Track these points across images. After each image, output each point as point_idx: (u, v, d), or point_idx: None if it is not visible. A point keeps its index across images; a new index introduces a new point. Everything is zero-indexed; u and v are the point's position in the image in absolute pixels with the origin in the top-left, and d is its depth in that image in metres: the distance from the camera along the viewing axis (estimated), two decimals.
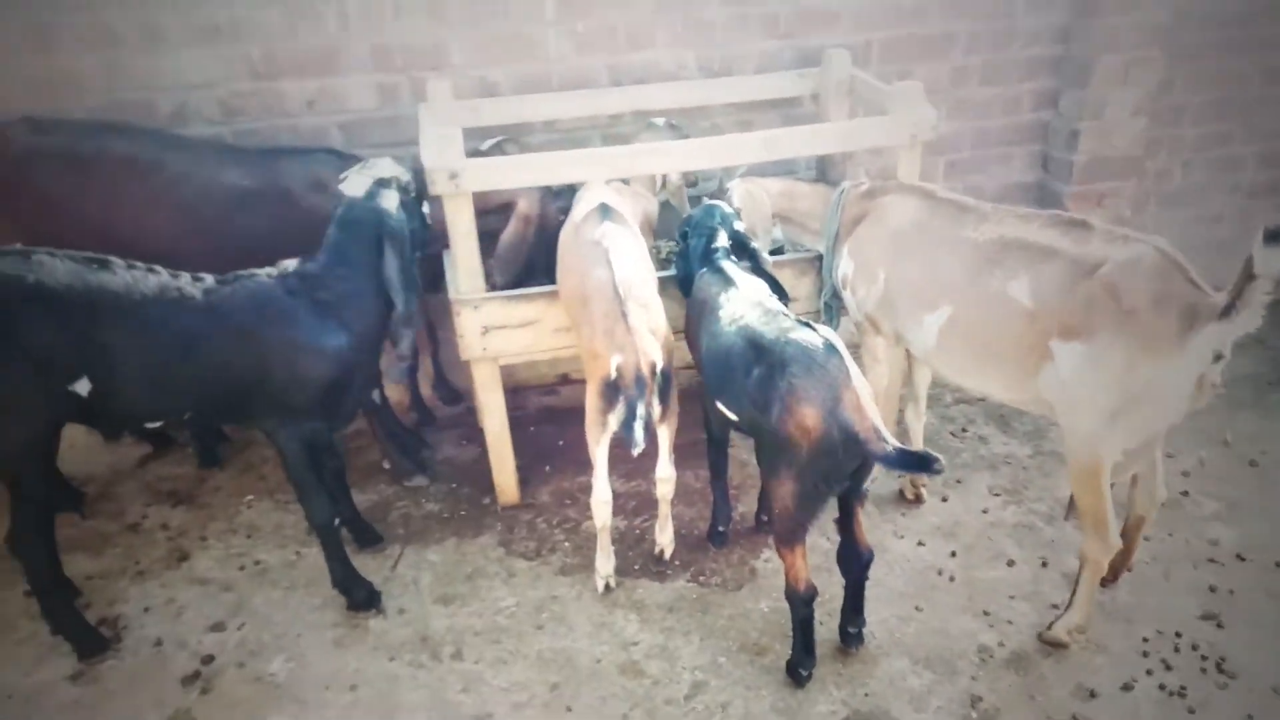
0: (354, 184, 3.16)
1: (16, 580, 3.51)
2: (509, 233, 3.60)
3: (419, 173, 3.25)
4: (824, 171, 4.26)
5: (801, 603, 2.87)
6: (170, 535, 3.79)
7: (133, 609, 3.41)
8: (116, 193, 3.41)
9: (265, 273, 3.07)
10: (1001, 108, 4.58)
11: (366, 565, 3.55)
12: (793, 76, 4.14)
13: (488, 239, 3.57)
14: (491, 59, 3.99)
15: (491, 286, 3.58)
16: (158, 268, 2.97)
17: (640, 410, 2.90)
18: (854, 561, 2.95)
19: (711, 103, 4.16)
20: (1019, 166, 4.76)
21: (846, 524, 2.91)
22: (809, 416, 2.59)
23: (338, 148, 3.84)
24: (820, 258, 3.65)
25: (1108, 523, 2.86)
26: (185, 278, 2.98)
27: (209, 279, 3.02)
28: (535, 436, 4.32)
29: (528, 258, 3.75)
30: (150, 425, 3.07)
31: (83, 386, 2.85)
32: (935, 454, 2.48)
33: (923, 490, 3.80)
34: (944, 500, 3.84)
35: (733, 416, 2.99)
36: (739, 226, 3.33)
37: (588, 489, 3.91)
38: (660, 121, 3.94)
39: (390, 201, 3.14)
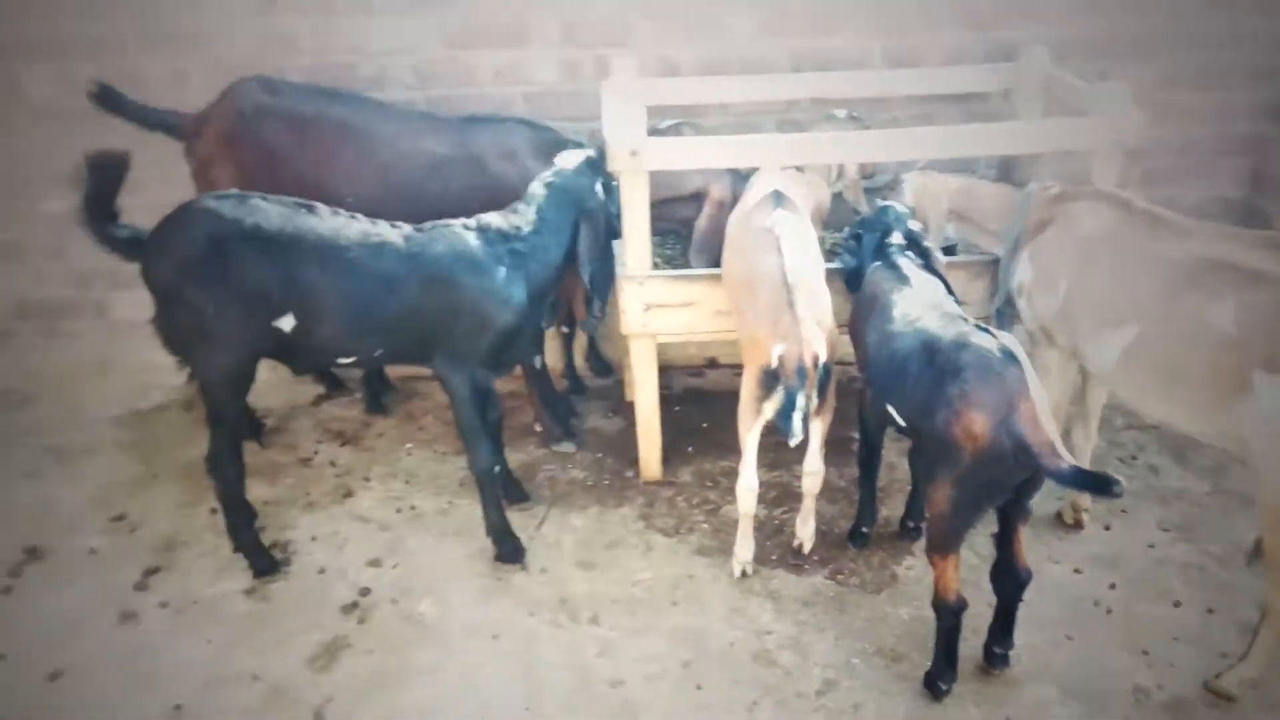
0: (568, 158, 3.30)
1: (203, 499, 3.85)
2: (704, 218, 3.65)
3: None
4: (1006, 172, 4.08)
5: (949, 613, 2.79)
6: (338, 472, 4.04)
7: (301, 536, 3.66)
8: (329, 154, 3.65)
9: (461, 223, 3.25)
10: (1213, 115, 4.25)
11: (513, 521, 3.68)
12: (984, 71, 3.97)
13: (679, 226, 3.68)
14: (676, 38, 4.03)
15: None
16: (358, 215, 3.18)
17: (800, 401, 2.87)
18: (1010, 580, 2.84)
19: (893, 94, 4.05)
20: (1224, 181, 4.41)
21: (1006, 540, 2.81)
22: (977, 423, 2.51)
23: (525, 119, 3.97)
24: (996, 262, 3.50)
25: None
26: (383, 224, 3.19)
27: (406, 227, 3.22)
28: (680, 416, 4.35)
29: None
30: (343, 362, 3.30)
31: (287, 323, 3.07)
32: (1115, 476, 2.35)
33: (1084, 516, 3.60)
34: (1107, 529, 3.63)
35: (896, 416, 2.92)
36: (913, 226, 3.24)
37: (729, 473, 3.96)
38: (841, 113, 3.87)
39: (597, 182, 3.28)
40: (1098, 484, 2.37)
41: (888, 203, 3.35)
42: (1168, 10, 4.07)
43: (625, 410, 4.39)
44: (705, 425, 4.30)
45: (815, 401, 3.01)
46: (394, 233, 3.17)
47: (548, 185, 3.33)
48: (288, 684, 3.02)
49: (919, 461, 3.37)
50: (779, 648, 3.13)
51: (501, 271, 3.18)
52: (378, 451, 4.18)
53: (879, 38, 4.07)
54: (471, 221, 3.26)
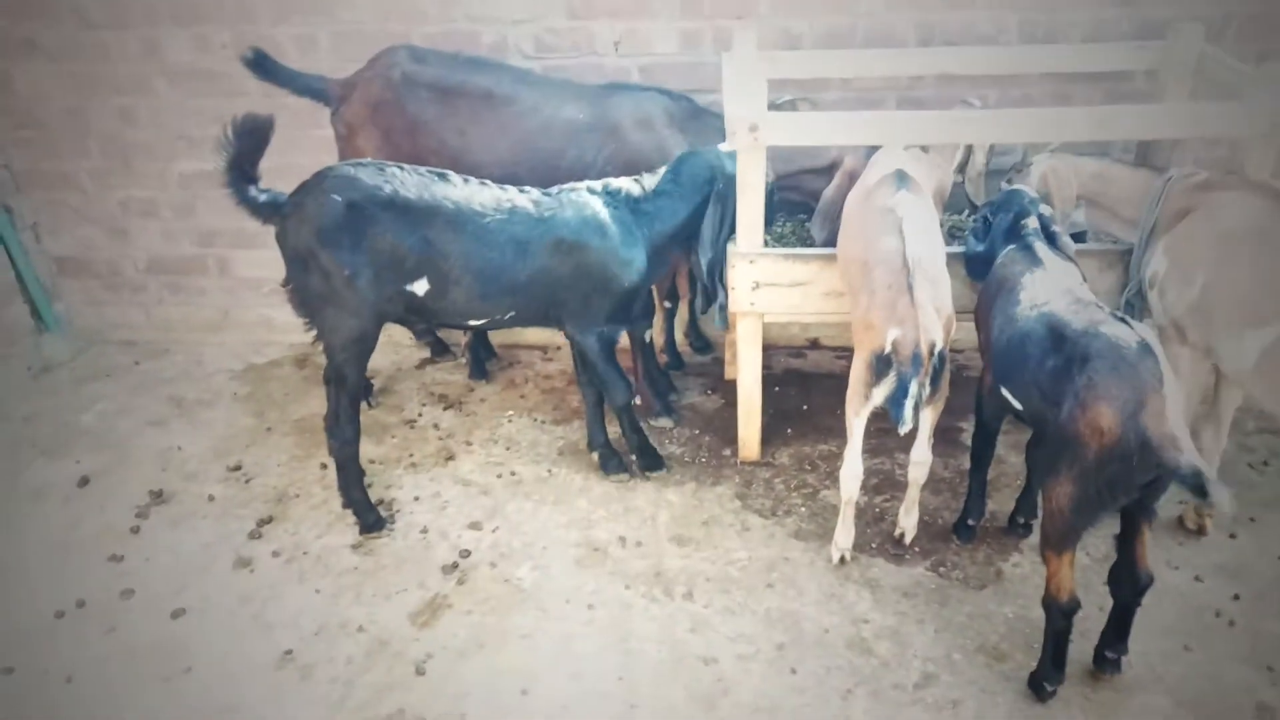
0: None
1: (313, 454, 3.99)
2: (832, 188, 3.58)
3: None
4: (1144, 156, 3.85)
5: (1060, 614, 2.69)
6: (441, 435, 4.13)
7: (405, 496, 3.76)
8: (472, 121, 3.73)
9: (587, 186, 3.39)
10: None
11: (610, 490, 3.73)
12: (1129, 48, 3.73)
13: (810, 199, 3.67)
14: (798, 9, 3.92)
15: (810, 242, 3.66)
16: (488, 181, 3.28)
17: (913, 389, 2.79)
18: (1130, 583, 2.72)
19: (1027, 71, 3.86)
20: None
21: (1128, 542, 2.68)
22: (1104, 416, 2.39)
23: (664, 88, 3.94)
24: (1129, 252, 3.32)
25: None
26: (512, 190, 3.30)
27: (534, 191, 3.34)
28: (779, 397, 4.30)
29: None
30: (473, 324, 3.45)
31: (420, 286, 3.22)
32: (1227, 491, 2.24)
33: (1208, 522, 3.42)
34: (1232, 537, 3.44)
35: (1017, 405, 2.82)
36: (1045, 211, 3.09)
37: (828, 457, 3.90)
38: (977, 102, 3.73)
39: (733, 165, 3.32)
40: (1207, 491, 2.25)
41: (1017, 186, 3.20)
42: None
43: (724, 388, 4.36)
44: (805, 407, 4.24)
45: (928, 390, 2.92)
46: (523, 198, 3.28)
47: (679, 159, 3.46)
48: (391, 637, 3.12)
49: (1038, 454, 3.26)
50: (876, 637, 3.07)
51: (623, 234, 3.32)
52: (480, 417, 4.25)
53: (1016, 11, 3.87)
54: (597, 185, 3.39)
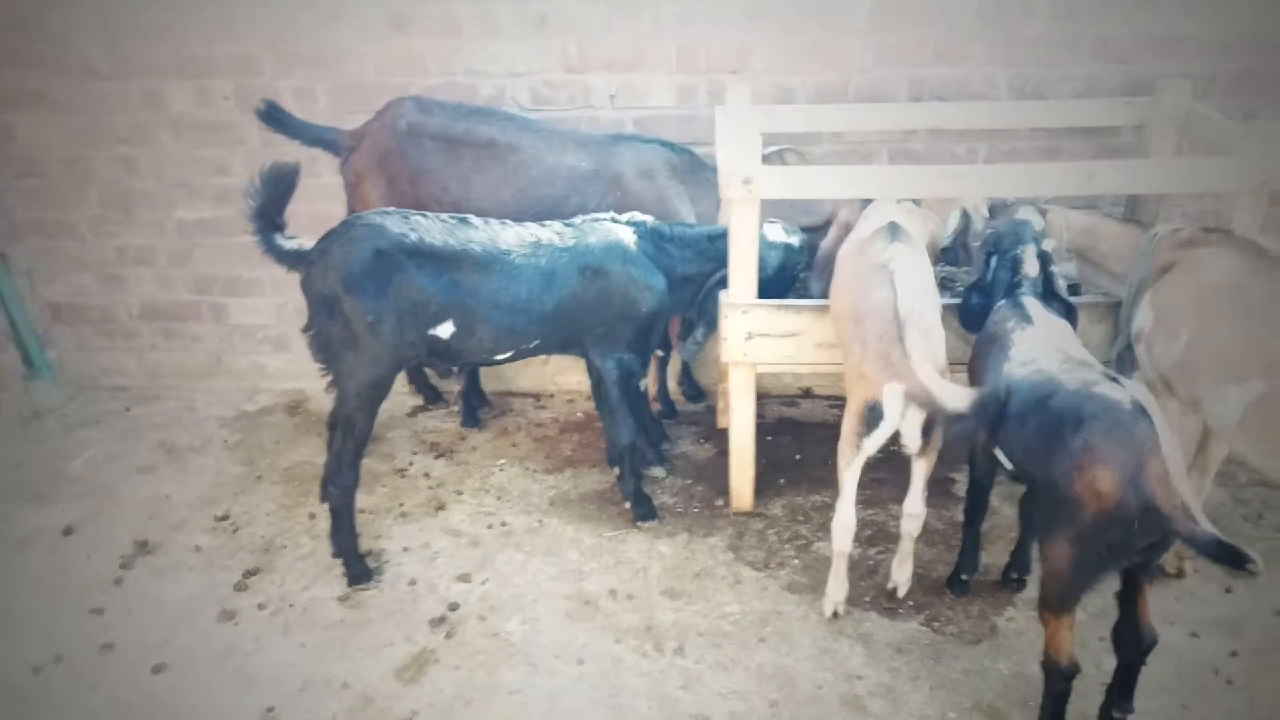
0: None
1: (301, 503, 3.96)
2: (828, 240, 3.63)
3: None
4: (1133, 211, 3.89)
5: (1060, 676, 2.64)
6: (431, 485, 4.10)
7: (394, 546, 3.72)
8: (475, 170, 3.80)
9: (611, 216, 3.50)
10: None
11: (601, 542, 3.69)
12: (1117, 104, 3.78)
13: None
14: (792, 66, 3.98)
15: (809, 292, 3.71)
16: (507, 220, 3.38)
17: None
18: (1133, 642, 2.68)
19: (1018, 126, 3.91)
20: None
21: (1129, 600, 2.65)
22: (1103, 480, 2.37)
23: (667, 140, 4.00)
24: (1118, 305, 3.33)
25: None
26: (532, 225, 3.39)
27: (555, 223, 3.44)
28: (771, 446, 4.27)
29: None
30: (499, 358, 3.50)
31: (445, 330, 3.28)
32: (1253, 554, 2.19)
33: (1187, 565, 3.38)
34: (1228, 591, 3.39)
35: (1007, 464, 2.79)
36: (1047, 246, 3.11)
37: (821, 507, 3.86)
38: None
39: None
40: (1235, 557, 2.21)
41: (1024, 217, 3.21)
42: None
43: (717, 437, 4.34)
44: (798, 457, 4.22)
45: (920, 442, 2.91)
46: (545, 231, 3.39)
47: (715, 230, 3.64)
48: (376, 693, 3.06)
49: (1031, 512, 3.24)
50: (870, 694, 3.02)
51: (645, 260, 3.46)
52: (471, 465, 4.22)
53: (1006, 67, 3.94)
54: (623, 216, 3.53)
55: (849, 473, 3.04)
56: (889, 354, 2.84)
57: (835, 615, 3.29)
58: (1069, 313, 3.09)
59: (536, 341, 3.47)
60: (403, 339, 3.24)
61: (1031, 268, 3.09)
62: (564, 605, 3.40)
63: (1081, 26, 3.86)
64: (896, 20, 3.91)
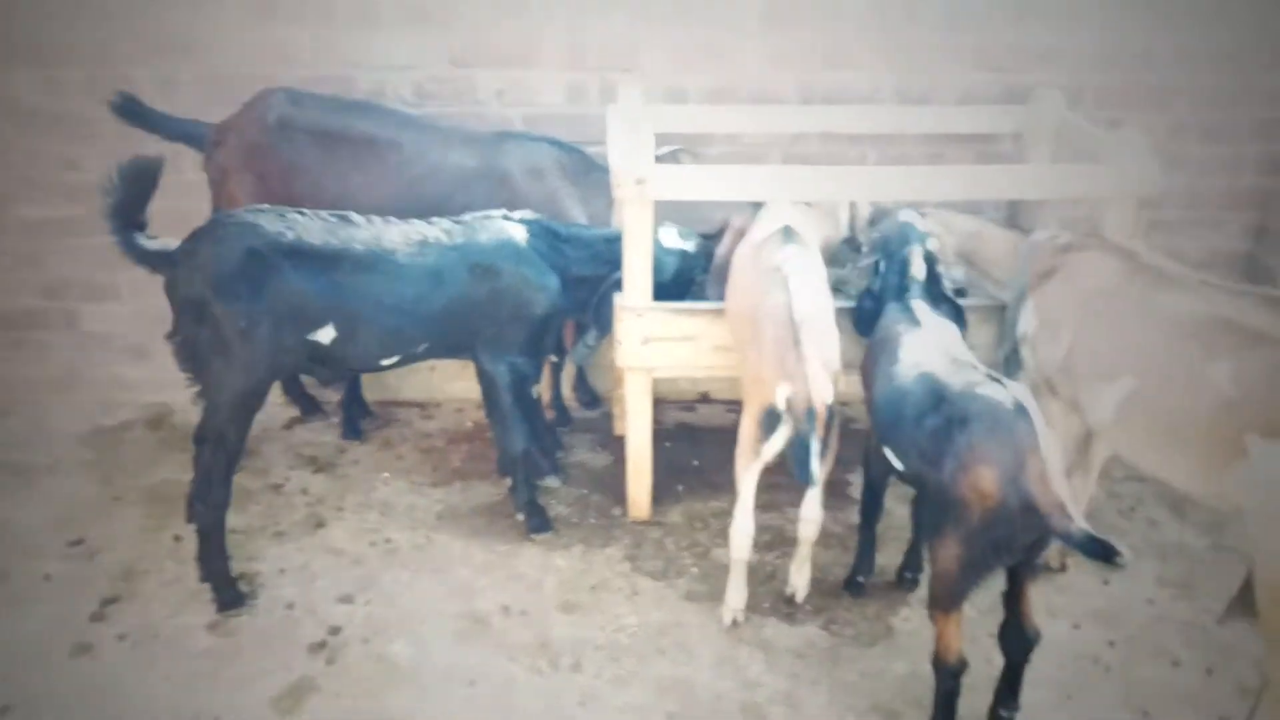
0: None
1: (165, 525, 3.68)
2: (724, 246, 3.59)
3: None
4: (1014, 216, 4.01)
5: (949, 674, 2.67)
6: (309, 501, 3.87)
7: (269, 568, 3.49)
8: (354, 167, 3.62)
9: (503, 214, 3.38)
10: (1221, 168, 4.21)
11: (492, 558, 3.55)
12: (996, 112, 3.91)
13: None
14: (684, 66, 3.96)
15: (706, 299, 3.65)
16: (391, 218, 3.22)
17: (814, 445, 2.75)
18: (1019, 641, 2.72)
19: (905, 131, 3.99)
20: (1230, 233, 4.37)
21: (1014, 599, 2.69)
22: (986, 479, 2.41)
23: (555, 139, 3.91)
24: (1003, 307, 3.41)
25: None
26: (418, 223, 3.24)
27: (443, 220, 3.29)
28: (670, 453, 4.22)
29: None
30: (384, 364, 3.33)
31: (326, 334, 3.10)
32: (1122, 548, 2.26)
33: (1069, 561, 3.50)
34: (1105, 583, 3.52)
35: (898, 465, 2.81)
36: (933, 247, 3.15)
37: (720, 514, 3.83)
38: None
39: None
40: (1104, 552, 2.28)
41: (906, 219, 3.25)
42: (1180, 63, 4.05)
43: (613, 444, 4.26)
44: (696, 463, 4.18)
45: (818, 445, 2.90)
46: (433, 229, 3.24)
47: (616, 235, 3.48)
48: None
49: (922, 513, 3.27)
50: (769, 702, 2.99)
51: (538, 260, 3.33)
52: (352, 479, 4.01)
53: (892, 73, 4.01)
54: (515, 214, 3.41)
55: (747, 478, 3.02)
56: (784, 357, 2.82)
57: (734, 623, 3.25)
58: (957, 314, 3.14)
59: (424, 345, 3.32)
60: (279, 345, 3.05)
61: (919, 269, 3.13)
62: (453, 625, 3.25)
63: (961, 35, 3.97)
64: (787, 23, 3.93)
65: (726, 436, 4.32)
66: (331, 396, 4.36)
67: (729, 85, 4.01)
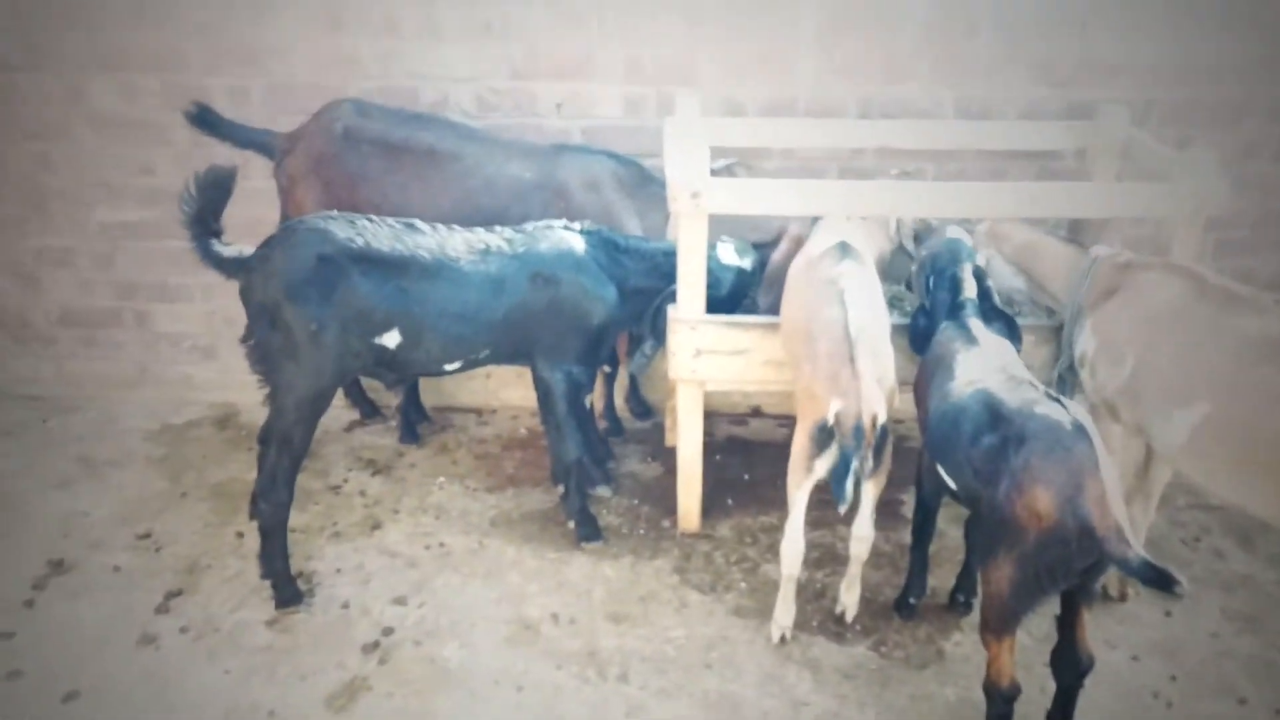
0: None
1: (229, 521, 3.78)
2: (779, 254, 3.61)
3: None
4: (1076, 232, 3.93)
5: (1002, 699, 2.63)
6: (367, 503, 3.95)
7: (326, 568, 3.56)
8: (415, 177, 3.70)
9: (562, 224, 3.42)
10: None
11: (544, 565, 3.58)
12: (1059, 128, 3.84)
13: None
14: (741, 78, 3.96)
15: (758, 308, 3.66)
16: (454, 226, 3.29)
17: (855, 464, 2.73)
18: (1071, 666, 2.68)
19: (964, 147, 3.94)
20: None
21: (1068, 624, 2.65)
22: (1042, 500, 2.37)
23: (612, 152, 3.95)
24: (1060, 328, 3.35)
25: None
26: (481, 231, 3.31)
27: (505, 229, 3.36)
28: (720, 466, 4.22)
29: None
30: (447, 369, 3.39)
31: (392, 339, 3.16)
32: (1180, 577, 2.21)
33: (1131, 590, 3.41)
34: (1168, 614, 3.43)
35: (951, 484, 2.78)
36: (980, 261, 3.12)
37: (770, 529, 3.81)
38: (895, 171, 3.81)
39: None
40: (1162, 580, 2.23)
41: (955, 235, 3.22)
42: (1252, 79, 3.94)
43: (664, 456, 4.27)
44: (747, 477, 4.17)
45: (871, 464, 2.87)
46: (495, 237, 3.31)
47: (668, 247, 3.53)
48: None
49: (976, 534, 3.23)
50: None
51: (597, 270, 3.41)
52: (409, 483, 4.08)
53: (952, 88, 3.97)
54: (575, 224, 3.45)
55: (799, 495, 2.99)
56: (839, 373, 2.81)
57: (783, 640, 3.24)
58: (1011, 328, 3.10)
59: (486, 351, 3.37)
60: (347, 348, 3.12)
61: (970, 287, 3.10)
62: (503, 630, 3.29)
63: (1022, 49, 3.91)
64: (845, 36, 3.91)
65: (778, 451, 4.33)
66: (391, 400, 4.44)
67: (786, 98, 4.00)
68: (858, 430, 2.75)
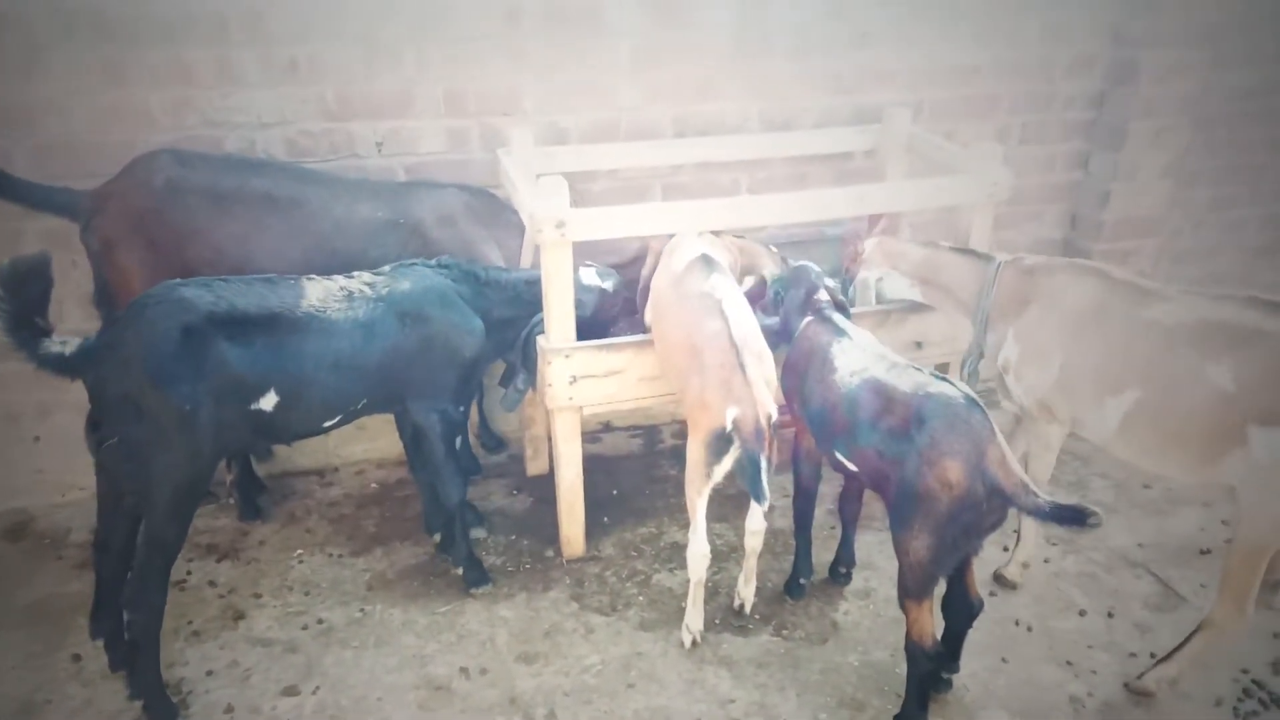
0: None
1: (58, 645, 3.31)
2: (648, 268, 3.65)
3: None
4: (870, 227, 4.32)
5: (926, 658, 2.85)
6: (220, 593, 3.58)
7: (194, 672, 3.20)
8: (255, 227, 3.40)
9: (421, 261, 3.34)
10: (1037, 167, 4.76)
11: (436, 620, 3.42)
12: (853, 132, 4.23)
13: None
14: (563, 106, 4.00)
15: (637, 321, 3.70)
16: (311, 275, 3.11)
17: (764, 463, 2.87)
18: (964, 610, 2.98)
19: (772, 155, 4.22)
20: (1048, 223, 4.94)
21: (959, 574, 2.92)
22: (952, 471, 2.60)
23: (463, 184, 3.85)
24: (898, 307, 3.68)
25: (1251, 599, 2.88)
26: (339, 277, 3.15)
27: (363, 274, 3.21)
28: (588, 485, 4.17)
29: None
30: (327, 425, 3.16)
31: (269, 401, 2.92)
32: (1092, 507, 2.50)
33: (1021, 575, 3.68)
34: (1005, 549, 3.86)
35: (851, 467, 2.98)
36: (830, 284, 3.36)
37: (651, 539, 3.89)
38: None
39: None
40: (1076, 516, 2.49)
41: (803, 262, 3.45)
42: (1001, 78, 4.54)
43: (529, 486, 4.22)
44: (615, 492, 4.21)
45: (775, 460, 3.03)
46: (354, 281, 3.17)
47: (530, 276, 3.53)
48: None
49: (848, 509, 3.50)
50: (746, 715, 3.08)
51: (463, 304, 3.33)
52: (263, 562, 3.75)
53: (755, 101, 4.23)
54: (432, 260, 3.36)
55: (700, 502, 3.08)
56: (730, 381, 2.93)
57: (694, 644, 3.32)
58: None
59: (364, 401, 3.20)
60: (222, 422, 2.84)
61: (823, 295, 3.30)
62: (413, 697, 3.12)
63: (813, 62, 4.25)
64: (658, 61, 4.06)
65: (637, 463, 4.44)
66: (221, 478, 4.04)
67: (608, 122, 4.09)
68: (758, 432, 2.89)
